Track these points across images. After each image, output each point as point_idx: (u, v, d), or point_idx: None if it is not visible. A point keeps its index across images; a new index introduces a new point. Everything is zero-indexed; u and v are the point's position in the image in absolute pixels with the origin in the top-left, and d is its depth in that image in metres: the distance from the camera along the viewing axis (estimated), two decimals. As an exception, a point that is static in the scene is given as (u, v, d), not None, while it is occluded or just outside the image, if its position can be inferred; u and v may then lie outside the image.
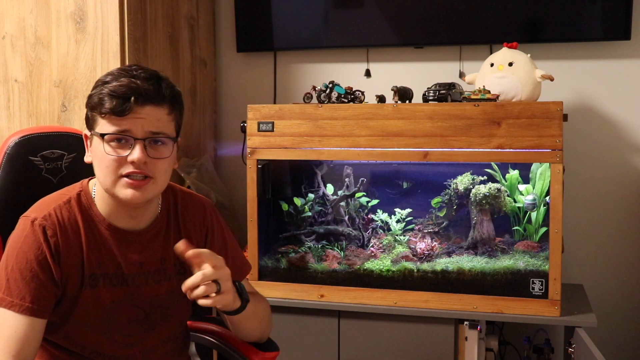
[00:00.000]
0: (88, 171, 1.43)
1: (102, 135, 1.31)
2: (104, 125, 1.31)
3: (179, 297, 1.49)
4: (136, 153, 1.30)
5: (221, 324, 1.63)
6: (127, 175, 1.31)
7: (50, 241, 1.33)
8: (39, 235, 1.32)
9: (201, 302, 1.29)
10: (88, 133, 1.37)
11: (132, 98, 1.29)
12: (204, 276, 1.28)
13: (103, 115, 1.31)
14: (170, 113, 1.35)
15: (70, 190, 1.42)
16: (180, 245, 1.30)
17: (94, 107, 1.32)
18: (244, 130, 2.33)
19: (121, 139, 1.31)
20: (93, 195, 1.41)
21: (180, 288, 1.49)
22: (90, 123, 1.35)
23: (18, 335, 1.28)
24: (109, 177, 1.32)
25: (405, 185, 2.33)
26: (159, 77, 1.35)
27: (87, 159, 1.39)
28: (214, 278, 1.29)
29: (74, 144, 1.65)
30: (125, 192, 1.32)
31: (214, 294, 1.30)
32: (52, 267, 1.32)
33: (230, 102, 2.94)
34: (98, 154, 1.33)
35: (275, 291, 2.26)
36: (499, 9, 2.57)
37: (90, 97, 1.33)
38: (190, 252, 1.29)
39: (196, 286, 1.28)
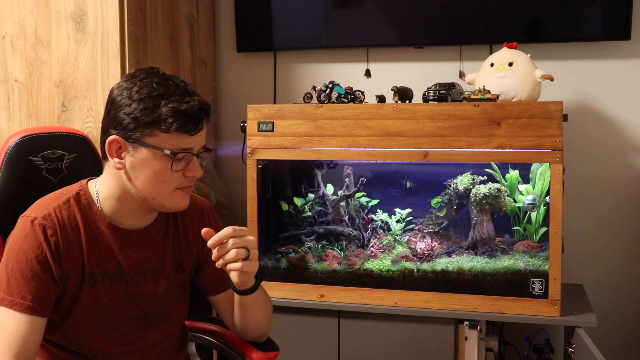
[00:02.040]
0: (89, 171, 1.44)
1: (172, 153, 1.33)
2: (166, 141, 1.33)
3: (178, 295, 1.50)
4: (199, 170, 1.38)
5: (221, 324, 1.63)
6: (185, 188, 1.38)
7: (50, 240, 1.33)
8: (39, 234, 1.33)
9: (230, 266, 1.35)
10: (122, 140, 1.34)
11: (204, 120, 1.36)
12: (234, 243, 1.34)
13: (168, 132, 1.32)
14: (207, 127, 1.42)
15: (69, 190, 1.42)
16: (206, 232, 1.36)
17: (154, 122, 1.31)
18: (244, 130, 2.33)
19: (184, 158, 1.35)
20: (95, 195, 1.41)
21: (178, 287, 1.50)
22: (136, 133, 1.33)
23: (19, 334, 1.28)
24: (166, 192, 1.37)
25: (405, 185, 2.33)
26: (196, 92, 1.40)
27: (118, 165, 1.36)
28: (243, 245, 1.36)
29: (74, 144, 1.65)
30: (181, 202, 1.40)
31: (242, 260, 1.36)
32: (52, 266, 1.33)
33: (230, 102, 2.94)
34: (150, 167, 1.34)
35: (275, 291, 2.26)
36: (499, 9, 2.57)
37: (145, 110, 1.32)
38: (215, 238, 1.34)
39: (226, 252, 1.34)
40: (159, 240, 1.47)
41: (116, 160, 1.36)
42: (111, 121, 1.35)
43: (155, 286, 1.46)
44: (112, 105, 1.36)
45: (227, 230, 1.35)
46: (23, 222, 1.36)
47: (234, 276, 1.40)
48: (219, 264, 1.35)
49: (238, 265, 1.35)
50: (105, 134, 1.37)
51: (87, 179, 1.46)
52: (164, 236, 1.49)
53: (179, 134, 1.33)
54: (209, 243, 1.34)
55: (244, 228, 1.38)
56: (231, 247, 1.34)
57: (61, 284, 1.35)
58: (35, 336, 1.30)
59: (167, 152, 1.33)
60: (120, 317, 1.42)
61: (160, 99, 1.31)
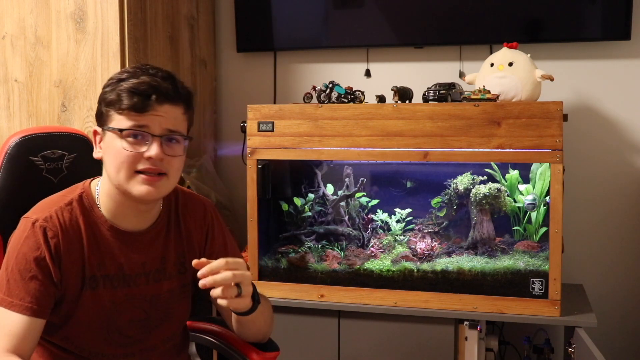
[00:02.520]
0: (89, 171, 1.44)
1: (120, 131, 1.32)
2: (120, 121, 1.33)
3: (179, 296, 1.50)
4: (154, 149, 1.32)
5: (221, 324, 1.63)
6: (143, 172, 1.33)
7: (51, 242, 1.33)
8: (39, 236, 1.33)
9: (219, 301, 1.29)
10: (99, 129, 1.38)
11: (153, 96, 1.31)
12: (223, 278, 1.27)
13: (121, 112, 1.32)
14: (185, 112, 1.39)
15: (71, 192, 1.42)
16: (197, 264, 1.30)
17: (110, 103, 1.33)
18: (244, 130, 2.33)
19: (138, 135, 1.32)
20: (96, 196, 1.41)
21: (180, 288, 1.50)
22: (103, 119, 1.36)
23: (14, 332, 1.28)
24: (124, 173, 1.33)
25: (405, 185, 2.33)
26: (174, 78, 1.38)
27: (96, 154, 1.39)
28: (236, 281, 1.30)
29: (74, 144, 1.65)
30: (140, 188, 1.33)
31: (233, 297, 1.30)
32: (51, 268, 1.33)
33: (230, 102, 2.94)
34: (112, 149, 1.34)
35: (275, 291, 2.26)
36: (499, 9, 2.57)
37: (105, 93, 1.35)
38: (206, 269, 1.28)
39: (218, 285, 1.27)
40: (160, 241, 1.47)
41: (97, 149, 1.39)
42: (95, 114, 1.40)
43: (157, 287, 1.45)
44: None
45: (219, 262, 1.29)
46: (24, 224, 1.36)
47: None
48: (212, 295, 1.29)
49: (224, 302, 1.30)
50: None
51: (90, 179, 1.46)
52: (166, 237, 1.48)
53: (130, 113, 1.32)
54: (198, 274, 1.28)
55: (239, 261, 1.32)
56: (220, 282, 1.27)
57: (61, 287, 1.34)
58: (32, 336, 1.30)
59: (117, 129, 1.32)
60: (122, 319, 1.41)
61: (121, 82, 1.33)
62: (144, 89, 1.31)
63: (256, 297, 1.40)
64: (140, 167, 1.33)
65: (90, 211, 1.40)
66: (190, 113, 1.41)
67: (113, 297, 1.40)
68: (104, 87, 1.36)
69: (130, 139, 1.32)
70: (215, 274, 1.27)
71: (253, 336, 1.53)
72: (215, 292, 1.28)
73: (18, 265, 1.32)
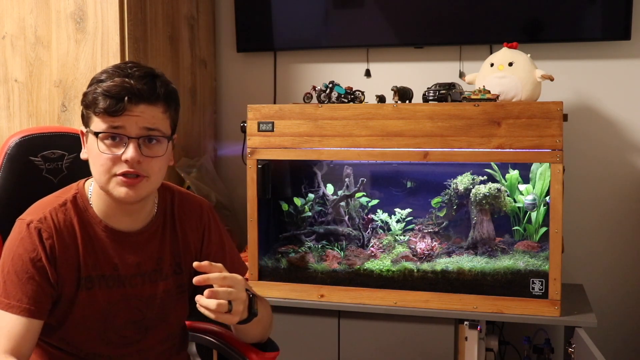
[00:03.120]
0: (88, 172, 1.43)
1: (96, 134, 1.31)
2: (97, 123, 1.32)
3: (176, 297, 1.49)
4: (130, 152, 1.30)
5: (221, 324, 1.63)
6: (122, 174, 1.31)
7: (46, 243, 1.33)
8: (35, 237, 1.33)
9: (206, 313, 1.28)
10: (84, 130, 1.37)
11: (126, 98, 1.29)
12: (213, 293, 1.26)
13: (97, 114, 1.31)
14: (165, 111, 1.35)
15: (65, 192, 1.42)
16: (198, 266, 1.30)
17: (88, 105, 1.33)
18: (244, 130, 2.33)
19: (115, 137, 1.31)
20: (89, 196, 1.41)
21: (176, 288, 1.49)
22: (85, 120, 1.36)
23: (12, 334, 1.28)
24: (104, 176, 1.33)
25: (405, 185, 2.33)
26: (153, 75, 1.34)
27: (83, 155, 1.39)
28: (229, 299, 1.28)
29: (74, 144, 1.65)
30: (119, 190, 1.32)
31: (222, 312, 1.28)
32: (47, 269, 1.32)
33: (230, 102, 2.94)
34: (93, 152, 1.34)
35: (275, 291, 2.26)
36: (499, 9, 2.57)
37: (85, 95, 1.34)
38: (202, 278, 1.27)
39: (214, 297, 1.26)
40: (156, 242, 1.46)
41: (84, 151, 1.39)
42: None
43: (153, 288, 1.45)
44: None
45: (216, 275, 1.28)
46: (19, 225, 1.36)
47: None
48: (198, 305, 1.28)
49: (212, 316, 1.28)
50: None
51: (84, 180, 1.46)
52: (161, 237, 1.47)
53: (104, 116, 1.30)
54: (194, 281, 1.27)
55: (236, 277, 1.31)
56: (211, 295, 1.26)
57: (57, 287, 1.34)
58: (30, 338, 1.30)
59: (92, 131, 1.32)
60: (118, 320, 1.41)
61: (99, 84, 1.31)
62: (116, 91, 1.29)
63: (252, 310, 1.37)
64: (118, 170, 1.31)
65: (85, 212, 1.40)
66: (172, 111, 1.38)
67: (109, 297, 1.39)
68: (87, 88, 1.35)
69: (107, 142, 1.31)
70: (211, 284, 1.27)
71: (251, 339, 1.53)
72: (203, 302, 1.26)
73: (14, 266, 1.32)
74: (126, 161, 1.30)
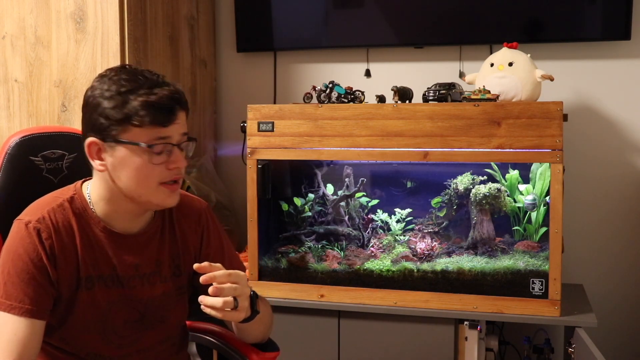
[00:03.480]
0: (89, 172, 1.43)
1: (149, 146, 1.30)
2: (140, 134, 1.30)
3: (175, 299, 1.49)
4: (180, 159, 1.34)
5: (221, 324, 1.63)
6: (171, 182, 1.34)
7: (45, 243, 1.33)
8: (34, 237, 1.33)
9: (212, 313, 1.28)
10: (99, 141, 1.33)
11: (176, 107, 1.32)
12: (224, 290, 1.27)
13: (142, 126, 1.29)
14: (187, 114, 1.39)
15: (63, 193, 1.42)
16: (199, 267, 1.30)
17: (126, 118, 1.29)
18: (244, 130, 2.33)
19: (161, 148, 1.32)
20: (88, 199, 1.41)
21: (176, 290, 1.49)
22: (109, 132, 1.32)
23: (18, 337, 1.28)
24: (150, 188, 1.33)
25: (405, 185, 2.33)
26: (174, 83, 1.37)
27: (98, 167, 1.35)
28: (234, 295, 1.29)
29: (74, 144, 1.65)
30: (166, 198, 1.35)
31: (228, 309, 1.29)
32: (48, 268, 1.32)
33: (230, 102, 2.94)
34: (131, 163, 1.32)
35: (275, 291, 2.26)
36: (499, 9, 2.57)
37: (115, 108, 1.30)
38: (208, 277, 1.28)
39: (219, 295, 1.27)
40: (154, 243, 1.46)
41: (97, 162, 1.35)
42: (87, 124, 1.35)
43: (151, 290, 1.45)
44: (86, 108, 1.35)
45: (222, 273, 1.29)
46: (17, 226, 1.36)
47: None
48: (202, 307, 1.29)
49: (219, 314, 1.29)
50: (84, 138, 1.36)
51: (81, 181, 1.45)
52: (160, 239, 1.47)
53: (153, 127, 1.30)
54: (201, 280, 1.28)
55: (241, 274, 1.31)
56: (216, 292, 1.27)
57: (57, 287, 1.34)
58: (35, 339, 1.30)
59: (144, 145, 1.30)
60: (118, 320, 1.41)
61: (129, 94, 1.29)
62: (167, 102, 1.30)
63: (254, 307, 1.38)
64: (167, 178, 1.34)
65: (83, 212, 1.39)
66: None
67: (108, 297, 1.39)
68: (100, 99, 1.31)
69: (155, 152, 1.31)
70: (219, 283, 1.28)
71: (253, 339, 1.53)
72: (208, 302, 1.27)
73: (15, 267, 1.31)
74: (176, 168, 1.33)
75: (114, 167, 1.34)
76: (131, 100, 1.29)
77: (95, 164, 1.35)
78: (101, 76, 1.35)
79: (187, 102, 1.37)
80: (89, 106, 1.34)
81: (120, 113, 1.29)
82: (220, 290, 1.27)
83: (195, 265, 1.29)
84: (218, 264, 1.31)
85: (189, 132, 1.39)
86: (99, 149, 1.34)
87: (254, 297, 1.38)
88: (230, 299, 1.28)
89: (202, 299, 1.27)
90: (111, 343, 1.41)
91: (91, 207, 1.40)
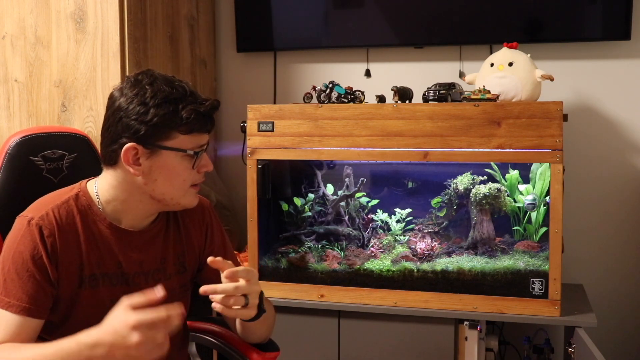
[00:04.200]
0: (89, 171, 1.44)
1: (195, 153, 1.37)
2: (184, 141, 1.35)
3: (179, 296, 1.50)
4: (210, 163, 1.42)
5: (221, 324, 1.63)
6: (197, 184, 1.42)
7: (47, 241, 1.33)
8: (35, 235, 1.32)
9: (224, 311, 1.30)
10: (139, 147, 1.33)
11: (214, 115, 1.40)
12: (236, 289, 1.30)
13: (187, 133, 1.35)
14: None
15: (68, 191, 1.42)
16: (212, 261, 1.33)
17: (176, 125, 1.33)
18: (244, 130, 2.33)
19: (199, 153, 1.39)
20: (96, 198, 1.41)
21: (180, 287, 1.50)
22: (152, 138, 1.33)
23: (12, 332, 1.29)
24: (183, 190, 1.40)
25: (405, 185, 2.33)
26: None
27: (136, 171, 1.35)
28: (245, 292, 1.32)
29: (74, 144, 1.65)
30: (195, 199, 1.44)
31: (238, 307, 1.32)
32: (48, 267, 1.32)
33: (230, 102, 2.94)
34: (172, 168, 1.36)
35: (275, 291, 2.27)
36: (499, 9, 2.57)
37: (165, 115, 1.32)
38: (228, 272, 1.31)
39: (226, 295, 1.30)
40: (159, 241, 1.47)
41: (134, 167, 1.35)
42: (123, 129, 1.33)
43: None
44: (121, 112, 1.33)
45: (241, 269, 1.32)
46: (20, 222, 1.36)
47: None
48: (214, 304, 1.31)
49: (231, 312, 1.32)
50: (115, 142, 1.35)
51: (86, 180, 1.45)
52: (165, 237, 1.48)
53: (197, 134, 1.37)
54: (224, 275, 1.31)
55: (252, 271, 1.35)
56: (233, 292, 1.30)
57: (57, 286, 1.34)
58: (29, 337, 1.30)
59: (191, 152, 1.37)
60: None
61: (178, 103, 1.33)
62: (211, 112, 1.38)
63: (261, 306, 1.40)
64: (198, 181, 1.42)
65: (88, 209, 1.40)
66: None
67: (112, 295, 1.39)
68: (140, 106, 1.32)
69: (193, 157, 1.38)
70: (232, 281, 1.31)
71: (256, 339, 1.54)
72: (223, 300, 1.29)
73: (15, 264, 1.32)
74: (205, 171, 1.42)
75: (152, 171, 1.35)
76: (181, 108, 1.33)
77: (132, 169, 1.35)
78: (136, 81, 1.35)
79: None
80: (128, 111, 1.33)
81: (170, 120, 1.33)
82: (237, 288, 1.30)
83: (210, 259, 1.32)
84: (229, 261, 1.34)
85: None
86: (137, 153, 1.34)
87: (261, 296, 1.39)
88: (241, 297, 1.30)
89: (213, 297, 1.29)
90: None
91: (99, 205, 1.41)
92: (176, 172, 1.37)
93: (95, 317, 1.38)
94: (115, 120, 1.34)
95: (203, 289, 1.29)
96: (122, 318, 1.17)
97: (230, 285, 1.30)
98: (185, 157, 1.37)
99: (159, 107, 1.32)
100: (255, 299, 1.34)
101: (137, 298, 1.19)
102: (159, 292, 1.20)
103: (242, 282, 1.31)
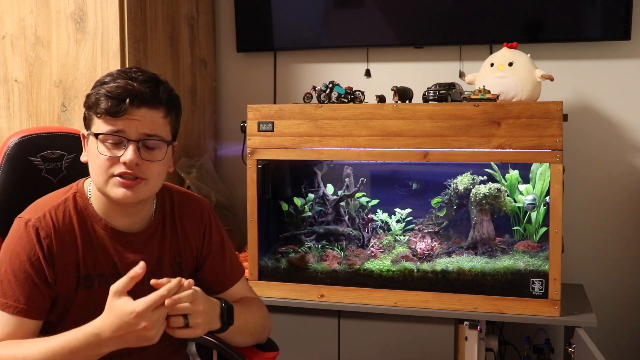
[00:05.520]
0: (88, 172, 1.43)
1: (96, 135, 1.33)
2: (99, 125, 1.33)
3: None
4: (129, 154, 1.31)
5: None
6: (119, 175, 1.32)
7: (44, 243, 1.33)
8: (32, 236, 1.33)
9: (167, 329, 1.27)
10: (85, 132, 1.38)
11: (127, 99, 1.30)
12: (174, 308, 1.25)
13: (99, 115, 1.32)
14: (166, 116, 1.36)
15: (65, 192, 1.42)
16: (155, 283, 1.28)
17: (90, 106, 1.34)
18: (244, 130, 2.33)
19: (115, 140, 1.32)
20: (89, 196, 1.41)
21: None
22: (87, 122, 1.37)
23: (9, 333, 1.29)
24: (102, 177, 1.34)
25: (405, 185, 2.33)
26: (157, 81, 1.36)
27: (83, 158, 1.40)
28: (185, 313, 1.27)
29: (74, 144, 1.65)
30: (116, 191, 1.33)
31: (178, 328, 1.27)
32: (45, 269, 1.33)
33: (230, 102, 2.94)
34: (92, 153, 1.35)
35: (275, 291, 2.27)
36: (499, 9, 2.57)
37: (87, 96, 1.35)
38: (168, 301, 1.25)
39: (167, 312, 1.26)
40: (155, 242, 1.47)
41: (84, 153, 1.40)
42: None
43: (152, 288, 1.45)
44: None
45: (184, 294, 1.26)
46: (18, 224, 1.36)
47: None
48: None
49: (174, 332, 1.27)
50: None
51: (83, 179, 1.46)
52: (161, 237, 1.48)
53: (106, 117, 1.31)
54: (166, 303, 1.24)
55: (198, 293, 1.29)
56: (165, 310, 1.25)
57: (55, 287, 1.34)
58: (27, 338, 1.30)
59: (93, 132, 1.33)
60: None
61: (102, 86, 1.33)
62: (118, 92, 1.30)
63: (227, 320, 1.37)
64: (116, 171, 1.32)
65: (85, 210, 1.40)
66: (173, 117, 1.39)
67: (107, 296, 1.39)
68: (90, 91, 1.36)
69: (107, 144, 1.33)
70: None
71: (241, 345, 1.53)
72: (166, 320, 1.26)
73: (12, 266, 1.32)
74: (124, 163, 1.31)
75: (88, 157, 1.38)
76: (99, 90, 1.32)
77: (83, 154, 1.40)
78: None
79: (156, 101, 1.33)
80: None
81: (87, 102, 1.35)
82: (173, 309, 1.25)
83: (152, 281, 1.27)
84: (175, 280, 1.27)
85: (159, 134, 1.35)
86: (85, 140, 1.39)
87: (225, 310, 1.37)
88: (179, 317, 1.26)
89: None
90: None
91: (92, 203, 1.41)
92: (93, 157, 1.35)
93: (91, 318, 1.37)
94: None
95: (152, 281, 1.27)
96: (128, 309, 1.20)
97: (156, 295, 1.24)
98: (100, 143, 1.32)
99: (90, 91, 1.35)
100: (197, 318, 1.28)
101: (122, 281, 1.23)
102: (139, 267, 1.23)
103: (179, 302, 1.25)
